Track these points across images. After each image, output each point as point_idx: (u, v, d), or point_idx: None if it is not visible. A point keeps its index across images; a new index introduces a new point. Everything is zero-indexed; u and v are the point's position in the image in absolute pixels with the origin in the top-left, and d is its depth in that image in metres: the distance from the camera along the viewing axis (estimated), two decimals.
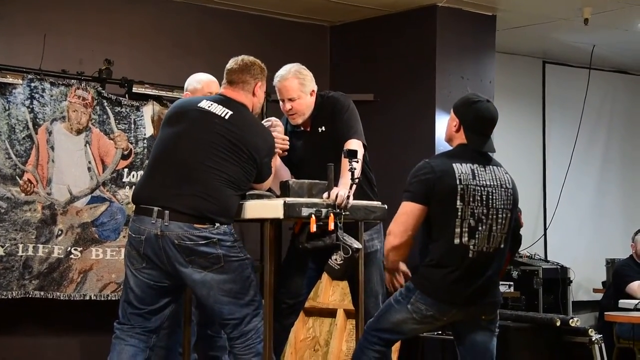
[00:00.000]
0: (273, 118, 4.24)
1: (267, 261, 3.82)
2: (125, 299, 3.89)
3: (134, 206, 3.93)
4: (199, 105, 3.90)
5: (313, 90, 4.25)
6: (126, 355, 3.84)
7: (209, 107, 3.87)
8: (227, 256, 3.73)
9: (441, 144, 4.00)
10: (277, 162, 4.13)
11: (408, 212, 3.68)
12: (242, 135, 3.81)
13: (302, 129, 4.31)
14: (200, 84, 4.61)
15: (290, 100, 4.20)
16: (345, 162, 3.91)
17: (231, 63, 3.98)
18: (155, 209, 3.73)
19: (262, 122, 4.14)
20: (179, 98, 4.73)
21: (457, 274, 3.64)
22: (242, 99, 3.93)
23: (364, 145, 4.18)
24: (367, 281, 4.16)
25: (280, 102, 4.27)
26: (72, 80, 5.66)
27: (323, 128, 4.25)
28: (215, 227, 3.72)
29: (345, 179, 3.92)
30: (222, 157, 3.76)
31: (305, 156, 4.28)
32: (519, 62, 8.31)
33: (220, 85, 4.06)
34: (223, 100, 3.91)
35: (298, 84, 4.20)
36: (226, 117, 3.83)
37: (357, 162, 3.88)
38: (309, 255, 4.12)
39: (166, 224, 3.71)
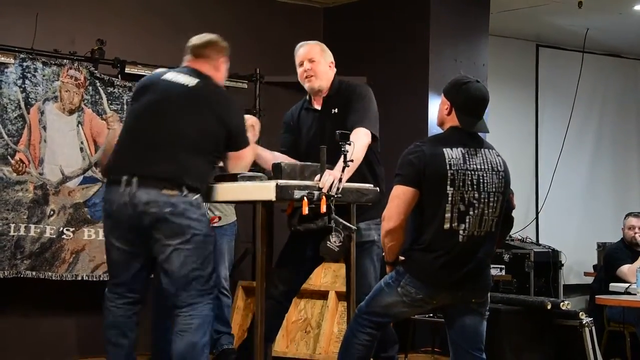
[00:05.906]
0: (248, 116, 4.26)
1: (259, 243, 3.83)
2: (108, 270, 4.01)
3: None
4: (164, 77, 3.96)
5: (332, 62, 4.36)
6: (120, 312, 3.92)
7: (173, 78, 3.92)
8: (192, 228, 3.74)
9: (434, 127, 3.98)
10: (256, 149, 4.18)
11: (400, 195, 3.65)
12: (208, 101, 3.87)
13: (313, 107, 4.33)
14: None
15: (310, 61, 4.29)
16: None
17: (194, 39, 4.07)
18: (124, 177, 3.76)
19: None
20: None
21: (446, 258, 3.63)
22: (207, 70, 4.00)
23: (374, 135, 4.17)
24: (360, 266, 4.15)
25: (298, 69, 4.33)
26: (65, 60, 5.63)
27: (336, 110, 4.27)
28: (184, 194, 3.73)
29: (340, 162, 3.92)
30: (188, 123, 3.80)
31: (313, 136, 4.29)
32: (513, 45, 8.31)
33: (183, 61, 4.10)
34: (189, 71, 3.98)
35: (320, 50, 4.35)
36: (191, 85, 3.89)
37: (350, 144, 3.86)
38: (303, 237, 4.10)
39: (134, 190, 3.73)
